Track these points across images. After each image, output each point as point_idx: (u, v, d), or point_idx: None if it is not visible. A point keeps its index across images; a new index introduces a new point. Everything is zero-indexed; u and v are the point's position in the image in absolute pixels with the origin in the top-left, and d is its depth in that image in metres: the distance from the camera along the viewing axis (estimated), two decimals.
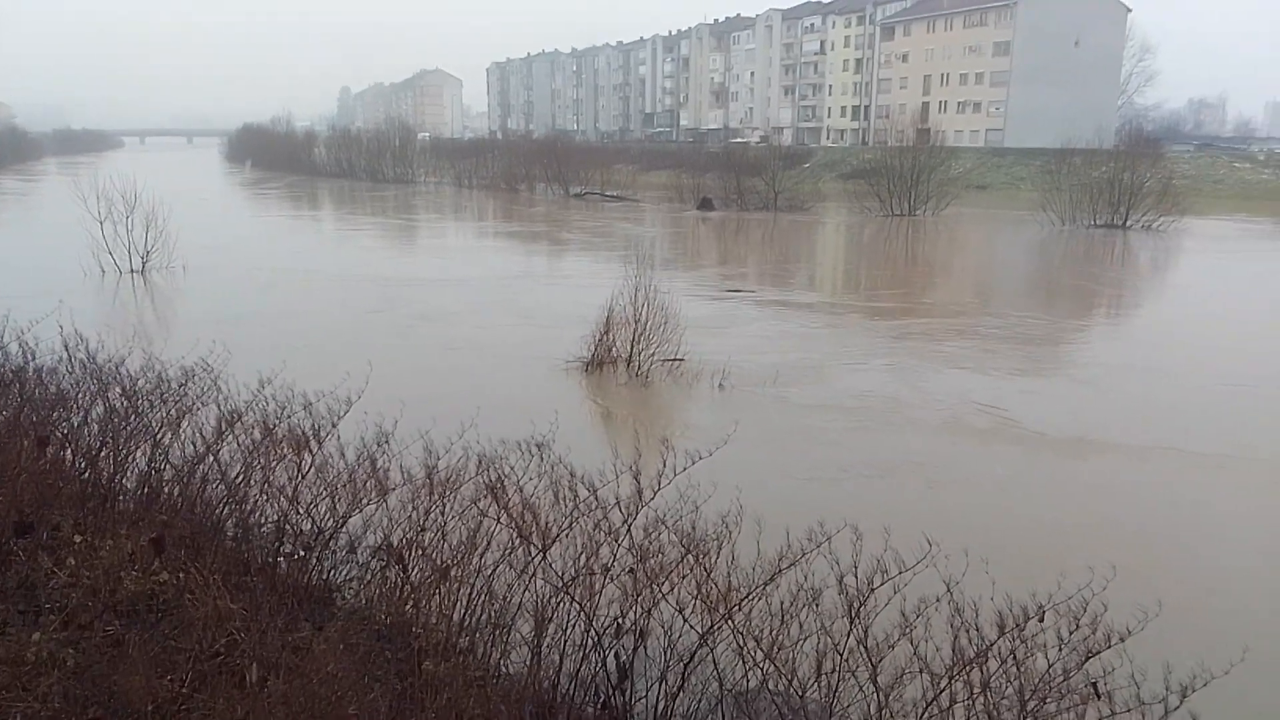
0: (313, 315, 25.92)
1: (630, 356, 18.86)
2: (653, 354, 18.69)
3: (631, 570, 6.15)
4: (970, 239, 51.92)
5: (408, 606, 6.64)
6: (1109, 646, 5.29)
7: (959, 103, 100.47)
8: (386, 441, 7.62)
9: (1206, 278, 36.07)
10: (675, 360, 18.69)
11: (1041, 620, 5.49)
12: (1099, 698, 5.24)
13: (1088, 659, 5.29)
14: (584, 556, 6.31)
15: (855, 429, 15.94)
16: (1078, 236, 48.27)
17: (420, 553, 6.82)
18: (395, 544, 6.91)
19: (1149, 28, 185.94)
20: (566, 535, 6.47)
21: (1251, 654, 5.96)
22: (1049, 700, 5.25)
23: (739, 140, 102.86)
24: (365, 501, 7.34)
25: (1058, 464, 14.33)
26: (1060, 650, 5.36)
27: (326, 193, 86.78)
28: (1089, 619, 5.39)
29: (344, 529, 7.46)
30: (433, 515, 6.99)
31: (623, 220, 59.22)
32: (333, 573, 7.49)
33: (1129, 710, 5.11)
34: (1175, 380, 19.50)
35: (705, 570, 5.94)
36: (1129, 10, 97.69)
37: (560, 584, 6.22)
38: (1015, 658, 5.39)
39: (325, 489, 7.47)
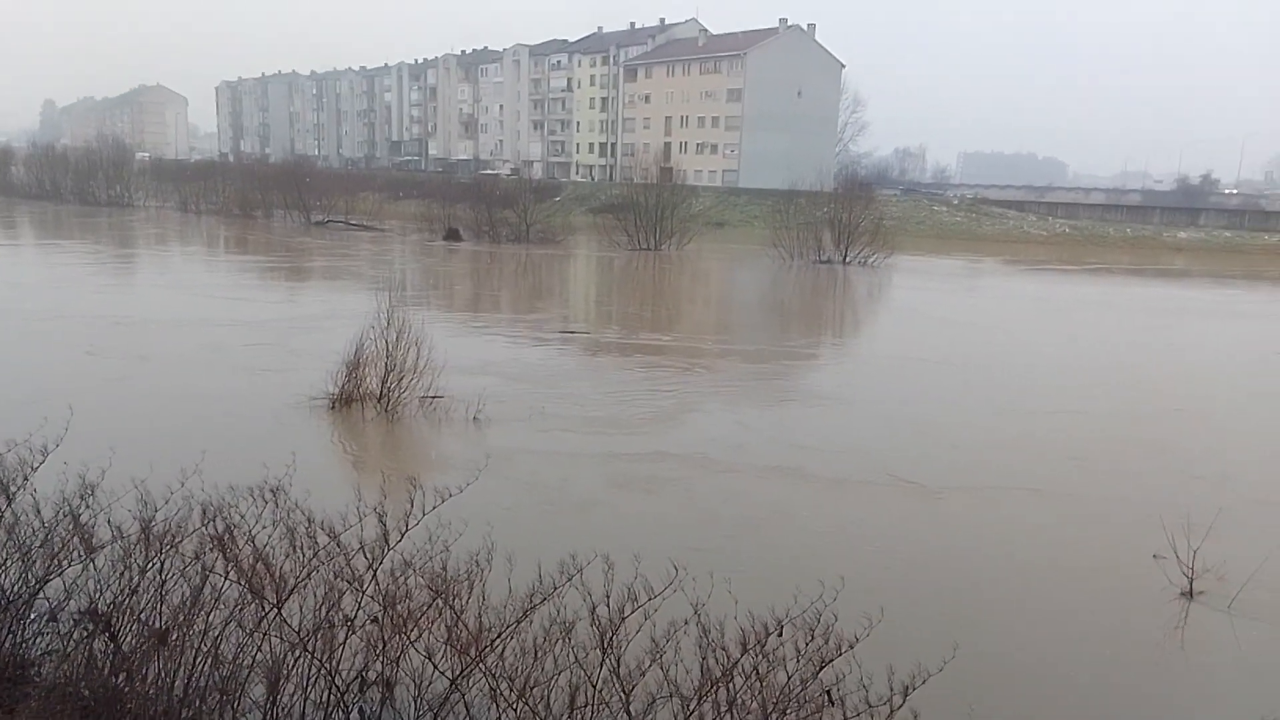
0: (2, 356, 22.93)
1: (382, 393, 18.13)
2: (404, 390, 18.03)
3: (376, 619, 5.85)
4: (711, 272, 54.81)
5: (119, 678, 5.95)
6: (840, 654, 5.65)
7: (698, 144, 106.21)
8: (92, 494, 6.82)
9: (923, 307, 40.08)
10: (433, 398, 18.09)
11: (780, 635, 5.77)
12: (833, 704, 5.58)
13: (822, 668, 5.62)
14: (324, 608, 5.93)
15: (611, 457, 16.18)
16: (806, 271, 52.23)
17: (133, 617, 6.15)
18: (102, 609, 6.18)
19: (860, 84, 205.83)
20: (304, 586, 6.06)
21: (961, 650, 6.59)
22: (789, 711, 5.53)
23: (489, 172, 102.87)
24: (66, 563, 6.54)
25: (784, 485, 15.22)
26: (798, 662, 5.67)
27: (26, 216, 77.53)
28: (822, 630, 5.74)
29: (40, 595, 6.61)
30: (149, 574, 6.33)
31: (370, 250, 57.28)
32: (26, 646, 6.58)
33: (859, 714, 5.48)
34: (895, 408, 21.42)
35: (455, 613, 5.77)
36: (843, 66, 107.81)
37: (297, 639, 5.80)
38: (758, 673, 5.64)
39: (16, 550, 6.58)
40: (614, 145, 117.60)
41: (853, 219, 55.87)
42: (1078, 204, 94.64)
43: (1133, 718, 8.66)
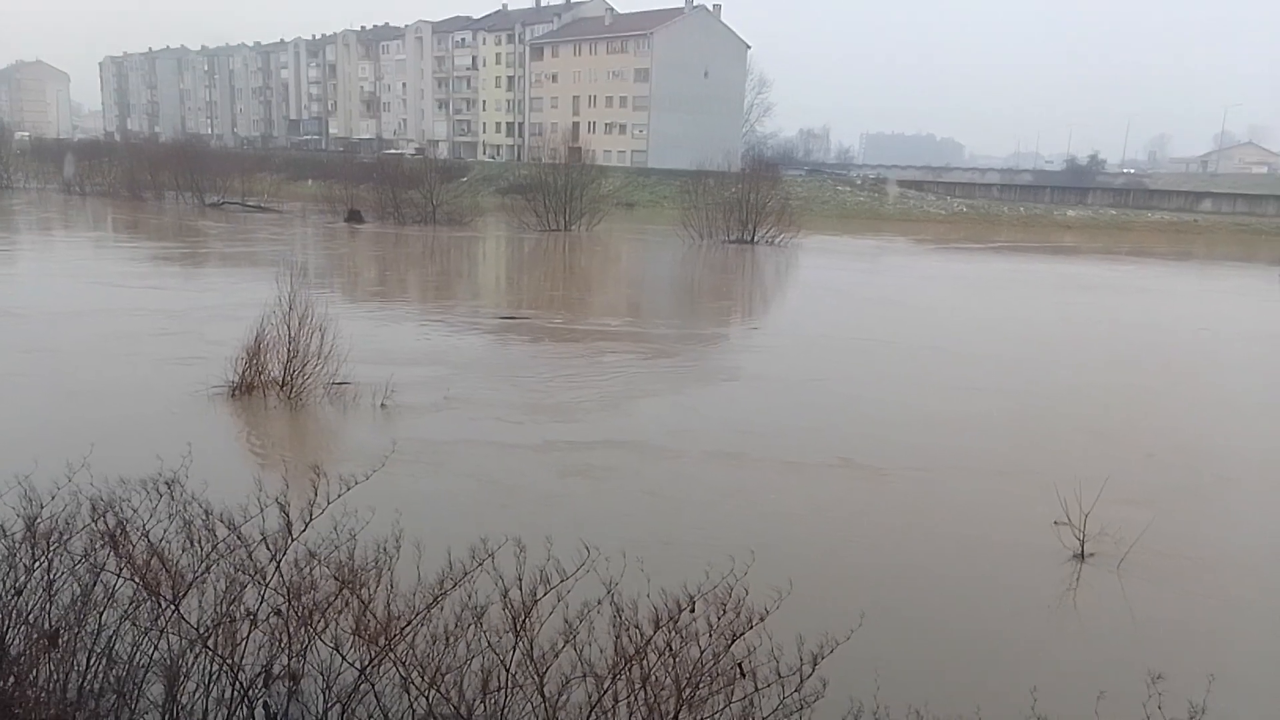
0: None
1: (284, 380, 17.58)
2: (308, 377, 17.51)
3: (279, 611, 5.69)
4: (624, 253, 54.87)
5: (7, 682, 5.67)
6: (751, 627, 5.74)
7: (606, 124, 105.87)
8: None
9: (848, 287, 40.60)
10: (339, 384, 17.61)
11: (693, 610, 5.83)
12: (744, 676, 5.67)
13: (733, 641, 5.70)
14: (225, 602, 5.74)
15: (522, 442, 16.07)
16: (716, 250, 52.70)
17: (20, 619, 5.86)
18: None
19: (765, 65, 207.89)
20: (203, 581, 5.86)
21: (868, 618, 6.77)
22: (702, 685, 5.59)
23: (393, 152, 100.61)
24: None
25: (698, 465, 15.38)
26: (710, 636, 5.73)
27: None
28: (734, 603, 5.81)
29: None
30: (36, 574, 6.03)
31: (269, 232, 55.49)
32: None
33: (770, 684, 5.58)
34: (805, 389, 21.82)
35: (363, 602, 5.66)
36: (748, 47, 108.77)
37: (196, 635, 5.60)
38: (671, 649, 5.68)
39: None
40: (521, 125, 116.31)
41: (760, 199, 56.53)
42: (974, 184, 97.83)
43: (1026, 676, 9.04)
